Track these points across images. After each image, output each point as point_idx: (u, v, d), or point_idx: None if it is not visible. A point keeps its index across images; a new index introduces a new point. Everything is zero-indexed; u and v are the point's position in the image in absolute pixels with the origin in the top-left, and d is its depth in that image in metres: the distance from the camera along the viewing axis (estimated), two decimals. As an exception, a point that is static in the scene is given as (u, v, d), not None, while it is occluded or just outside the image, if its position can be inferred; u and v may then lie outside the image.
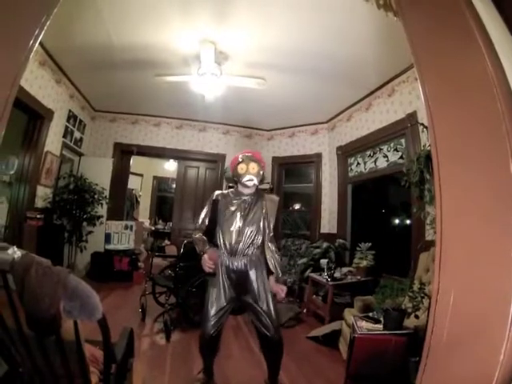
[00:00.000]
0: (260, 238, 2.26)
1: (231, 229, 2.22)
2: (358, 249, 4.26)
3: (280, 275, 2.30)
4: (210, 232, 2.30)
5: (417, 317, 2.29)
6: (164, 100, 5.09)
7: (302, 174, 6.24)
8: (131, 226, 5.50)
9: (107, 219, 5.21)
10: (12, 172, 3.82)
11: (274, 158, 6.27)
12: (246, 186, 2.27)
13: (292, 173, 6.40)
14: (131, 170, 6.55)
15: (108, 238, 5.20)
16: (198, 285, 3.45)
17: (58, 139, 4.52)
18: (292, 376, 2.60)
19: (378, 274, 4.06)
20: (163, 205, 9.29)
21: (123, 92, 4.91)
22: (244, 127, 6.21)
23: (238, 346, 3.09)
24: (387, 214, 4.65)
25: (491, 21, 0.93)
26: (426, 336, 0.92)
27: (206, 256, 2.16)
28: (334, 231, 5.20)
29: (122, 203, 6.04)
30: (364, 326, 2.40)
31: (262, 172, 2.30)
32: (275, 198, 2.49)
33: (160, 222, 8.94)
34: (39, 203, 4.14)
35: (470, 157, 0.92)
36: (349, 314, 3.04)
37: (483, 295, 0.83)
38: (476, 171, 0.90)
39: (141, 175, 8.58)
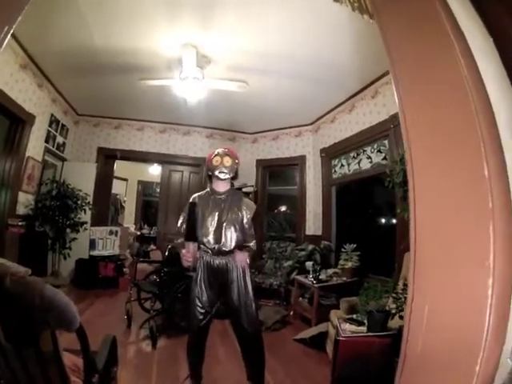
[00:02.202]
0: (239, 237, 2.26)
1: (210, 228, 2.23)
2: (343, 250, 4.30)
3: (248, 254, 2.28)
4: (193, 235, 2.26)
5: (401, 317, 2.32)
6: (147, 104, 5.06)
7: (287, 177, 6.28)
8: (116, 232, 5.44)
9: (91, 225, 5.14)
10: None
11: (258, 161, 6.30)
12: (219, 179, 2.28)
13: (276, 175, 6.43)
14: (116, 174, 6.49)
15: (92, 244, 5.13)
16: (183, 290, 3.43)
17: (40, 144, 4.44)
18: (279, 378, 2.61)
19: (363, 275, 4.11)
20: (149, 209, 9.22)
21: (107, 96, 4.86)
22: (228, 130, 6.22)
23: (225, 351, 3.07)
24: (372, 215, 4.71)
25: (468, 22, 0.92)
26: (402, 344, 0.92)
27: (183, 250, 2.16)
28: (319, 233, 5.24)
29: (106, 208, 5.97)
30: (348, 328, 2.43)
31: (236, 167, 2.32)
32: (253, 205, 2.48)
33: (145, 226, 8.87)
34: (21, 210, 4.05)
35: (444, 161, 0.91)
36: (335, 316, 3.05)
37: (459, 305, 0.82)
38: (451, 176, 0.89)
39: (125, 180, 8.50)
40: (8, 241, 3.58)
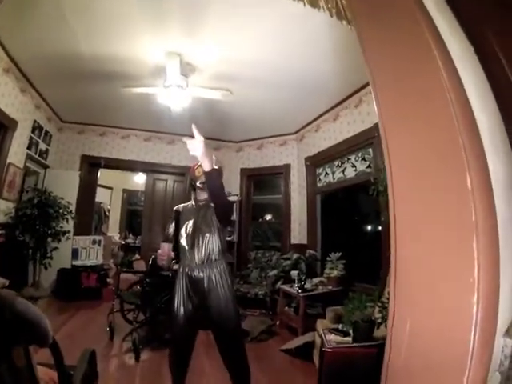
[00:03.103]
0: (217, 245, 2.21)
1: (187, 236, 2.21)
2: (328, 259, 4.31)
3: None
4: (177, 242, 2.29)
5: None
6: (132, 112, 5.02)
7: (271, 185, 6.30)
8: (99, 241, 5.33)
9: (74, 234, 5.02)
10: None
11: (243, 170, 6.31)
12: (201, 189, 2.25)
13: (261, 184, 6.45)
14: (100, 182, 6.41)
15: (75, 254, 5.01)
16: (166, 301, 3.36)
17: (21, 151, 4.35)
18: None
19: (349, 284, 4.13)
20: (134, 218, 9.07)
21: (91, 103, 4.81)
22: (212, 139, 6.17)
23: (209, 363, 3.00)
24: (357, 223, 4.75)
25: (449, 30, 0.91)
26: (384, 357, 0.90)
27: (159, 251, 2.15)
28: (305, 242, 5.25)
29: (89, 217, 5.86)
30: (333, 339, 2.41)
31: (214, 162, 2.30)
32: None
33: (130, 235, 8.73)
34: (0, 218, 3.94)
35: (425, 173, 0.89)
36: (321, 326, 3.03)
37: (442, 321, 0.79)
38: (433, 188, 0.86)
39: (110, 188, 8.36)
40: (-14, 250, 3.46)
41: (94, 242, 5.27)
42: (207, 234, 2.20)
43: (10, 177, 4.01)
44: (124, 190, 9.05)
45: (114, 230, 8.48)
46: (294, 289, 4.07)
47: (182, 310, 2.21)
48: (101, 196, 6.92)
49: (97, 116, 5.43)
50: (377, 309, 2.48)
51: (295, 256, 4.80)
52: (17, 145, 4.17)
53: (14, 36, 3.26)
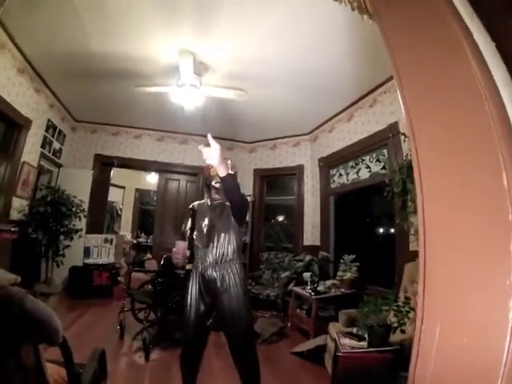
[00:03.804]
0: (233, 245, 2.19)
1: (202, 235, 2.19)
2: (341, 261, 4.24)
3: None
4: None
5: (403, 331, 2.26)
6: (145, 111, 5.03)
7: (285, 186, 6.23)
8: (111, 240, 5.35)
9: (86, 232, 5.05)
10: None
11: (256, 171, 6.27)
12: (216, 189, 2.23)
13: (274, 185, 6.39)
14: (113, 182, 6.47)
15: (87, 252, 5.04)
16: (177, 300, 3.34)
17: (35, 149, 4.39)
18: None
19: (362, 286, 4.04)
20: (146, 218, 9.10)
21: (105, 102, 4.84)
22: (225, 139, 6.14)
23: (219, 364, 2.97)
24: (371, 225, 4.65)
25: (472, 24, 0.85)
26: (410, 368, 0.85)
27: (174, 249, 2.19)
28: (318, 243, 5.18)
29: (101, 216, 5.90)
30: (347, 343, 2.35)
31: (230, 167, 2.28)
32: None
33: (142, 235, 8.78)
34: (14, 215, 3.97)
35: (456, 170, 0.83)
36: (333, 329, 2.98)
37: (474, 328, 0.74)
38: (464, 185, 0.81)
39: (123, 187, 8.42)
40: (0, 246, 3.49)
41: (106, 240, 5.29)
42: (223, 233, 2.18)
43: (24, 175, 4.05)
44: (137, 190, 9.10)
45: (126, 229, 8.52)
46: (306, 291, 4.01)
47: (194, 309, 2.19)
48: (113, 195, 6.96)
49: (110, 115, 5.46)
50: (392, 313, 2.41)
51: (308, 258, 4.74)
52: (31, 144, 4.20)
53: (28, 35, 3.29)
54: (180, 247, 2.19)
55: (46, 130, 4.60)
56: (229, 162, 2.20)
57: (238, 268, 2.22)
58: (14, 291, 0.96)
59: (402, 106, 1.04)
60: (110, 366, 2.43)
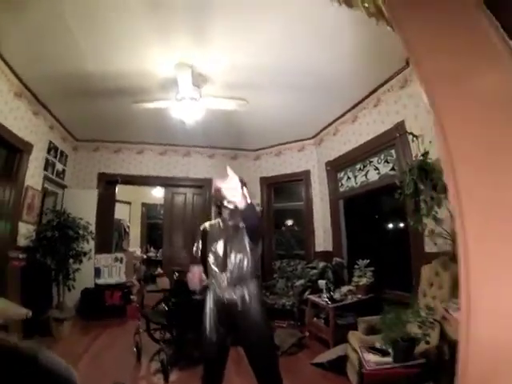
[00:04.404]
0: (250, 265, 2.13)
1: (218, 256, 2.14)
2: (356, 266, 4.15)
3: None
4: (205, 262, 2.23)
5: (427, 342, 2.18)
6: (146, 126, 4.98)
7: (292, 192, 6.15)
8: (121, 259, 5.30)
9: (95, 253, 5.00)
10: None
11: (262, 179, 6.19)
12: (228, 209, 2.16)
13: (281, 192, 6.29)
14: (118, 198, 6.42)
15: (98, 273, 4.99)
16: (193, 319, 3.26)
17: (38, 173, 4.36)
18: None
19: (379, 291, 3.96)
20: (154, 232, 9.01)
21: (105, 120, 4.80)
22: (229, 149, 6.13)
23: (240, 381, 2.86)
24: (383, 227, 4.56)
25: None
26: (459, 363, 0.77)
27: (189, 274, 2.13)
28: (330, 249, 5.09)
29: (109, 235, 5.86)
30: (372, 359, 2.27)
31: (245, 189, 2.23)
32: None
33: (151, 249, 8.71)
34: (21, 241, 3.93)
35: (498, 164, 0.77)
36: (353, 338, 2.91)
37: None
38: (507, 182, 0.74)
39: (129, 203, 8.36)
40: (10, 274, 3.45)
41: (115, 259, 5.25)
42: (239, 255, 2.12)
43: (28, 199, 4.01)
44: (143, 204, 9.03)
45: (134, 244, 8.47)
46: (322, 299, 3.93)
47: (213, 332, 2.12)
48: (120, 212, 6.90)
49: (111, 132, 5.42)
50: (416, 325, 2.32)
51: (321, 265, 4.66)
52: (33, 167, 4.17)
53: (23, 58, 3.27)
54: (195, 272, 2.13)
55: (48, 152, 4.57)
56: (245, 190, 2.16)
57: (256, 287, 2.17)
58: (26, 349, 0.88)
59: (435, 118, 0.96)
60: None
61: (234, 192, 1.83)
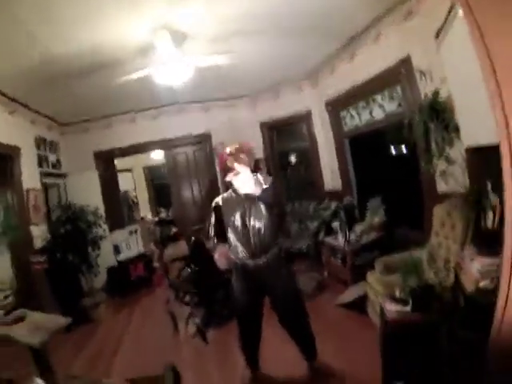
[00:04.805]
0: (270, 233, 2.17)
1: (238, 229, 2.17)
2: (367, 205, 4.18)
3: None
4: (224, 236, 2.28)
5: (443, 289, 2.27)
6: (133, 95, 4.59)
7: (295, 134, 5.93)
8: (136, 230, 5.39)
9: (110, 231, 5.05)
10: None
11: (262, 124, 5.92)
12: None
13: (284, 134, 6.06)
14: (119, 168, 6.30)
15: (117, 250, 5.08)
16: (220, 282, 3.39)
17: (34, 172, 4.22)
18: (329, 349, 2.63)
19: (391, 228, 4.04)
20: (161, 192, 8.81)
21: (87, 99, 4.44)
22: (223, 100, 5.78)
23: (273, 331, 2.73)
24: (392, 165, 4.45)
25: None
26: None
27: (216, 255, 2.22)
28: (339, 188, 5.08)
29: (119, 210, 5.87)
30: (393, 308, 2.37)
31: (252, 163, 2.17)
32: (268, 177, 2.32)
33: (162, 210, 8.72)
34: (38, 243, 3.96)
35: None
36: (372, 278, 3.06)
37: None
38: None
39: (130, 170, 8.18)
40: (36, 279, 3.55)
41: (130, 232, 5.32)
42: (259, 225, 2.14)
43: (32, 202, 3.93)
44: (144, 168, 8.87)
45: (144, 209, 8.50)
46: (338, 242, 4.04)
47: (242, 296, 2.26)
48: (123, 182, 6.81)
49: (97, 109, 5.08)
50: (432, 272, 2.40)
51: (333, 205, 4.68)
52: (27, 168, 4.00)
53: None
54: (222, 252, 2.19)
55: (38, 148, 4.36)
56: (259, 175, 2.10)
57: (279, 251, 2.26)
58: None
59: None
60: (178, 359, 2.66)
61: (247, 185, 1.92)
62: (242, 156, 2.12)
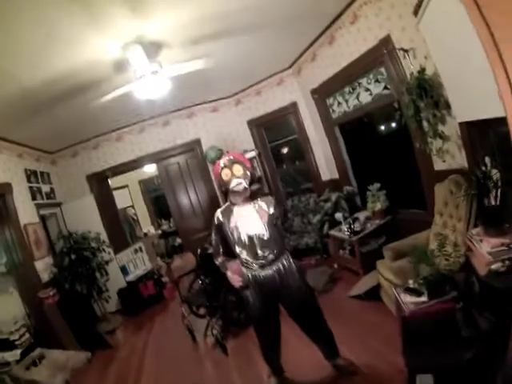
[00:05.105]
0: (277, 240, 2.16)
1: (242, 242, 2.13)
2: (368, 192, 4.13)
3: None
4: (230, 251, 2.26)
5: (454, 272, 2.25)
6: (116, 112, 4.51)
7: (284, 128, 5.85)
8: (140, 248, 5.36)
9: (115, 253, 5.00)
10: (3, 261, 3.61)
11: (250, 122, 5.85)
12: (237, 193, 2.10)
13: (274, 128, 5.97)
14: (115, 185, 6.27)
15: (125, 270, 5.04)
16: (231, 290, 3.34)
17: (29, 206, 4.17)
18: (348, 342, 2.61)
19: (394, 212, 4.02)
20: (159, 202, 8.84)
21: (71, 123, 4.36)
22: (207, 102, 5.72)
23: (293, 333, 2.69)
24: (385, 147, 4.39)
25: None
26: None
27: (229, 273, 2.15)
28: (336, 176, 5.04)
29: (121, 231, 5.85)
30: (409, 300, 2.34)
31: (249, 173, 2.12)
32: (270, 198, 2.31)
33: (163, 221, 8.68)
34: (45, 276, 3.93)
35: None
36: (382, 267, 3.03)
37: None
38: None
39: (126, 186, 8.07)
40: (49, 314, 3.52)
41: (135, 251, 5.29)
42: (265, 235, 2.11)
43: (32, 236, 3.89)
44: (140, 182, 8.77)
45: (146, 223, 8.44)
46: (343, 233, 3.99)
47: (259, 309, 2.23)
48: (121, 199, 6.76)
49: (82, 132, 5.01)
50: (443, 258, 2.37)
51: (334, 197, 4.63)
52: (21, 203, 3.95)
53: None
54: (235, 269, 2.16)
55: (28, 180, 4.30)
56: (247, 164, 2.12)
57: (288, 255, 2.24)
58: None
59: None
60: (201, 374, 2.74)
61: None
62: (237, 167, 2.08)
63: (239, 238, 2.13)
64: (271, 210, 2.12)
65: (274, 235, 2.14)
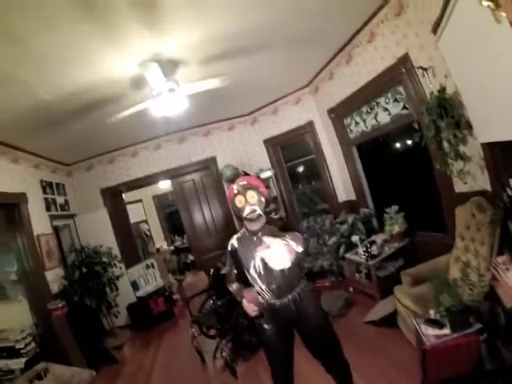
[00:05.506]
0: (294, 270, 2.03)
1: (257, 271, 2.03)
2: (385, 215, 4.00)
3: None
4: (245, 278, 2.14)
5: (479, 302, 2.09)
6: (132, 127, 4.59)
7: (301, 147, 5.79)
8: (152, 264, 5.31)
9: (126, 268, 4.98)
10: (15, 269, 3.61)
11: (266, 141, 5.83)
12: (252, 220, 1.99)
13: (290, 149, 5.93)
14: (128, 200, 6.29)
15: (135, 286, 5.00)
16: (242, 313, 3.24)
17: (43, 216, 4.21)
18: (365, 371, 2.48)
19: (412, 234, 3.87)
20: (173, 218, 8.84)
21: (87, 136, 4.46)
22: (223, 120, 5.75)
23: (308, 361, 2.57)
24: (404, 168, 4.27)
25: None
26: None
27: (244, 301, 2.01)
28: (353, 197, 4.92)
29: (133, 246, 5.83)
30: (430, 333, 2.21)
31: (263, 198, 2.00)
32: (298, 235, 2.18)
33: (176, 237, 8.66)
34: (55, 288, 3.92)
35: None
36: (400, 293, 2.90)
37: None
38: None
39: (140, 201, 8.17)
40: (57, 325, 3.49)
41: (147, 266, 5.25)
42: (285, 269, 1.95)
43: (44, 247, 3.90)
44: (154, 197, 8.82)
45: (159, 239, 8.43)
46: (360, 256, 3.85)
47: (272, 333, 2.10)
48: (134, 214, 6.79)
49: (98, 146, 5.10)
50: (467, 289, 2.22)
51: (350, 219, 4.50)
52: (36, 213, 3.99)
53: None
54: (251, 298, 2.01)
55: (44, 191, 4.36)
56: (261, 189, 2.01)
57: (304, 284, 2.12)
58: None
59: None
60: None
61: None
62: (251, 194, 1.98)
63: (257, 267, 2.03)
64: (300, 249, 1.92)
65: (293, 266, 2.02)
